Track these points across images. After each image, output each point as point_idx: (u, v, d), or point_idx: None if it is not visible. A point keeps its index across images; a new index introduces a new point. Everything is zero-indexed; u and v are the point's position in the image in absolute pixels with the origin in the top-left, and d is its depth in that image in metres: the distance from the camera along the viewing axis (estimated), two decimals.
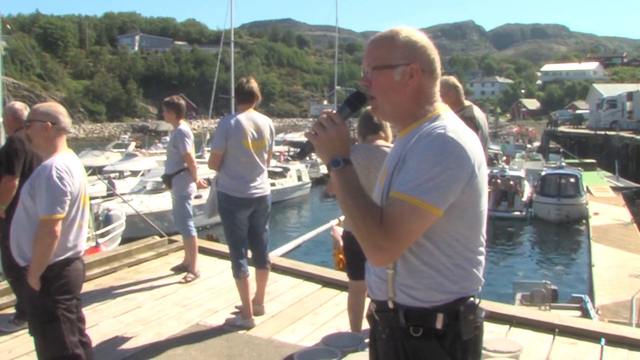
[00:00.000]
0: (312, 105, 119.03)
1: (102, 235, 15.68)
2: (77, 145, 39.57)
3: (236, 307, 5.87)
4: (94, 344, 4.64)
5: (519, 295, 12.12)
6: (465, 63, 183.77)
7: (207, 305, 6.12)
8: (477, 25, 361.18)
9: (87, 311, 5.65)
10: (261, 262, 5.83)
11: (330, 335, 4.90)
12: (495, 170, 28.35)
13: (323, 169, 34.64)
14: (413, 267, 2.10)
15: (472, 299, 2.15)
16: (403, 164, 2.07)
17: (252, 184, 5.53)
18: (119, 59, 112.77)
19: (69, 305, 3.73)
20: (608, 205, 24.81)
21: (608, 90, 60.40)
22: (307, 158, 35.08)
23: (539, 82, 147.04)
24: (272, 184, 26.00)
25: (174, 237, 8.18)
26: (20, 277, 3.74)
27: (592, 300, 12.33)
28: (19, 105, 5.63)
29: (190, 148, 7.02)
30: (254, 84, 5.63)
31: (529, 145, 57.97)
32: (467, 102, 5.47)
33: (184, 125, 7.10)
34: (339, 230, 9.10)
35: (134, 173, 29.07)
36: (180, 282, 6.80)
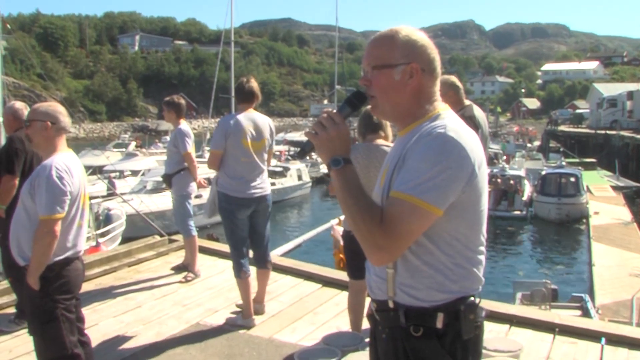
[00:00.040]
0: (313, 105, 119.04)
1: (103, 234, 15.68)
2: (78, 145, 39.60)
3: (237, 305, 5.88)
4: (94, 343, 4.64)
5: (519, 295, 12.12)
6: (466, 62, 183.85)
7: (207, 304, 6.12)
8: (477, 25, 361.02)
9: (88, 311, 5.66)
10: (262, 262, 5.83)
11: (330, 335, 4.89)
12: (495, 170, 28.36)
13: (323, 169, 34.65)
14: (413, 266, 2.10)
15: (472, 298, 2.15)
16: (403, 164, 2.06)
17: (252, 184, 5.53)
18: (119, 58, 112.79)
19: (68, 305, 3.73)
20: (608, 205, 24.81)
21: (608, 89, 60.38)
22: (308, 157, 35.09)
23: (539, 81, 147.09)
24: (273, 184, 25.98)
25: (174, 237, 8.18)
26: (20, 276, 3.74)
27: (593, 299, 12.33)
28: (19, 104, 5.63)
29: (191, 147, 7.02)
30: (254, 84, 5.63)
31: (529, 145, 57.97)
32: (467, 102, 5.47)
33: (184, 124, 7.10)
34: (339, 230, 9.10)
35: (134, 173, 29.08)
36: (180, 282, 6.80)
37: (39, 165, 3.77)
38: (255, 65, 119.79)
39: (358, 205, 2.02)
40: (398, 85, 2.14)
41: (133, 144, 42.62)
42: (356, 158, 4.39)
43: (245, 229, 5.61)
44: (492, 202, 25.14)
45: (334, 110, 2.17)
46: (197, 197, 8.04)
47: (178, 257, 7.58)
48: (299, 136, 47.40)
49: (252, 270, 5.70)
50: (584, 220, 24.16)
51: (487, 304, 5.05)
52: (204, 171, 7.69)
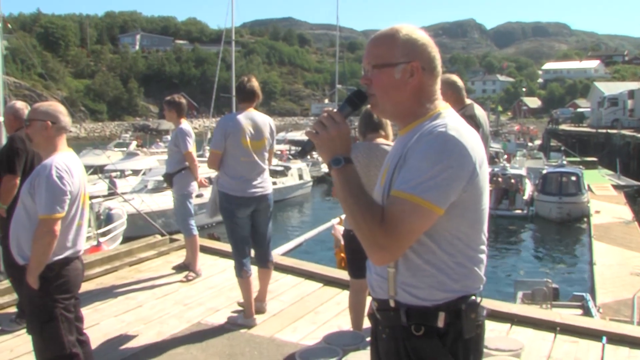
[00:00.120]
0: (313, 104, 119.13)
1: (104, 234, 15.69)
2: (79, 145, 39.58)
3: (238, 303, 5.88)
4: (95, 343, 4.65)
5: (520, 294, 12.13)
6: (466, 61, 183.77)
7: (208, 304, 6.12)
8: (478, 24, 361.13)
9: (89, 310, 5.68)
10: (264, 261, 5.83)
11: (331, 334, 4.90)
12: (496, 169, 28.36)
13: (324, 168, 34.63)
14: (414, 265, 2.09)
15: (473, 297, 2.14)
16: (404, 163, 2.06)
17: (252, 183, 5.53)
18: (120, 58, 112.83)
19: (67, 304, 3.73)
20: (609, 204, 24.79)
21: (609, 88, 60.33)
22: (309, 157, 35.09)
23: (540, 80, 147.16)
24: (274, 183, 25.97)
25: (175, 236, 8.18)
26: (20, 275, 3.74)
27: (594, 298, 12.32)
28: (20, 104, 5.63)
29: (192, 147, 7.02)
30: (254, 83, 5.63)
31: (530, 144, 57.96)
32: (468, 101, 5.46)
33: (185, 124, 7.10)
34: (340, 229, 9.10)
35: (135, 172, 29.09)
36: (181, 281, 6.80)
37: (39, 165, 3.77)
38: (256, 65, 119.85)
39: (359, 204, 2.02)
40: (399, 84, 2.14)
41: (134, 143, 42.69)
42: (357, 157, 4.39)
43: (246, 228, 5.61)
44: (493, 201, 25.13)
45: (335, 110, 2.17)
46: (198, 196, 8.04)
47: (179, 257, 7.58)
48: (300, 135, 47.39)
49: (254, 269, 5.70)
50: (585, 219, 24.14)
51: (489, 303, 5.04)
52: (204, 170, 7.69)
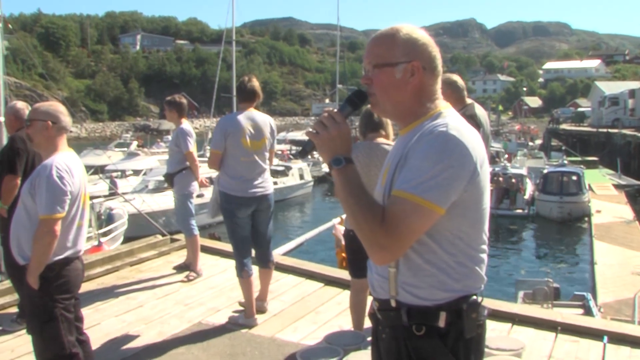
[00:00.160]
0: (314, 104, 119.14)
1: (105, 234, 15.70)
2: (79, 145, 39.64)
3: (239, 303, 5.88)
4: (96, 343, 4.65)
5: (521, 293, 12.13)
6: (467, 61, 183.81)
7: (209, 304, 6.12)
8: (478, 23, 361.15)
9: (90, 310, 5.68)
10: (264, 261, 5.82)
11: (332, 334, 4.90)
12: (497, 168, 28.38)
13: (325, 168, 34.64)
14: (415, 265, 2.09)
15: (474, 297, 2.14)
16: (405, 162, 2.06)
17: (252, 183, 5.52)
18: (121, 58, 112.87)
19: (67, 304, 3.73)
20: (610, 203, 24.80)
21: (610, 87, 60.33)
22: (309, 157, 35.09)
23: (540, 79, 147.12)
24: (274, 183, 25.97)
25: (176, 236, 8.18)
26: (21, 276, 3.74)
27: (595, 298, 12.33)
28: (20, 104, 5.63)
29: (192, 147, 7.02)
30: (255, 83, 5.62)
31: (530, 143, 58.01)
32: (468, 100, 5.46)
33: (185, 124, 7.10)
34: (341, 229, 9.09)
35: (136, 172, 29.11)
36: (182, 281, 6.80)
37: (40, 165, 3.77)
38: (256, 65, 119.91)
39: (360, 204, 2.02)
40: (399, 83, 2.13)
41: (135, 143, 42.70)
42: (357, 157, 4.39)
43: (246, 228, 5.61)
44: (494, 200, 25.15)
45: (335, 110, 2.16)
46: (198, 196, 8.05)
47: (180, 257, 7.58)
48: (301, 135, 47.37)
49: (255, 269, 5.70)
50: (586, 219, 24.17)
51: (490, 303, 5.04)
52: (205, 170, 7.69)
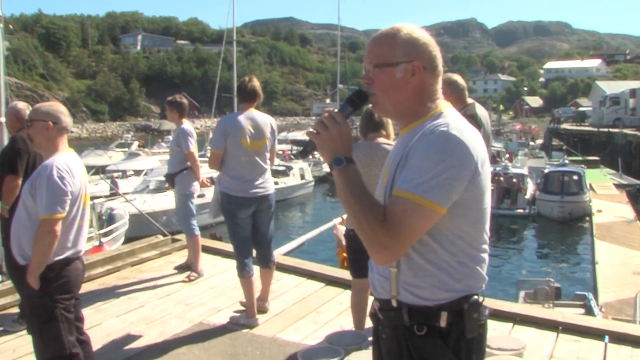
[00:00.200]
0: (315, 104, 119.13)
1: (106, 234, 15.70)
2: (80, 145, 39.70)
3: (241, 303, 5.88)
4: (97, 343, 4.66)
5: (522, 293, 12.12)
6: (468, 61, 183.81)
7: (210, 304, 6.12)
8: (479, 23, 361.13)
9: (91, 310, 5.68)
10: (265, 261, 5.82)
11: (333, 334, 4.89)
12: (498, 168, 28.37)
13: (326, 168, 34.62)
14: (416, 265, 2.09)
15: (476, 297, 2.14)
16: (406, 162, 2.06)
17: (253, 184, 5.52)
18: (122, 58, 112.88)
19: (67, 304, 3.73)
20: (611, 203, 24.78)
21: (611, 87, 60.31)
22: (310, 157, 35.10)
23: (541, 79, 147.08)
24: (275, 183, 25.98)
25: (177, 236, 8.18)
26: (22, 276, 3.74)
27: (596, 297, 12.32)
28: (21, 105, 5.63)
29: (193, 147, 7.02)
30: (255, 83, 5.62)
31: (531, 143, 58.00)
32: (469, 100, 5.46)
33: (186, 124, 7.10)
34: (342, 229, 9.09)
35: (137, 172, 29.11)
36: (183, 281, 6.80)
37: (40, 165, 3.77)
38: (257, 65, 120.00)
39: (360, 204, 2.02)
40: (400, 83, 2.13)
41: (136, 143, 42.72)
42: (358, 157, 4.38)
43: (247, 228, 5.60)
44: (495, 200, 25.14)
45: (336, 110, 2.16)
46: (200, 196, 8.05)
47: (181, 257, 7.58)
48: (302, 135, 47.41)
49: (256, 269, 5.70)
50: (587, 219, 24.16)
51: (491, 303, 5.02)
52: (206, 170, 7.70)
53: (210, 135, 33.12)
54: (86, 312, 4.21)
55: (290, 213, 30.56)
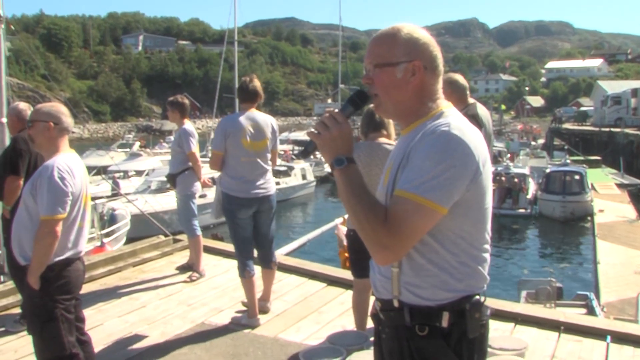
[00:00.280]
0: (316, 104, 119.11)
1: (107, 234, 15.70)
2: (82, 145, 39.72)
3: (242, 303, 5.88)
4: (99, 343, 4.66)
5: (524, 293, 12.11)
6: (469, 61, 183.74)
7: (212, 304, 6.12)
8: (480, 23, 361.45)
9: (92, 310, 5.69)
10: (267, 262, 5.82)
11: (335, 334, 4.89)
12: (499, 168, 28.39)
13: (327, 168, 34.59)
14: (418, 265, 2.09)
15: (477, 297, 2.14)
16: (407, 162, 2.05)
17: (254, 184, 5.51)
18: (123, 58, 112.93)
19: (67, 305, 3.73)
20: (613, 202, 24.75)
21: (612, 87, 60.26)
22: (312, 157, 35.09)
23: (543, 79, 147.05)
24: (277, 183, 25.99)
25: (178, 237, 8.18)
26: (23, 276, 3.75)
27: (598, 297, 12.31)
28: (22, 105, 5.64)
29: (195, 147, 7.02)
30: (256, 83, 5.62)
31: (533, 143, 57.91)
32: (471, 100, 5.46)
33: (188, 124, 7.10)
34: (343, 229, 9.09)
35: (139, 173, 29.13)
36: (185, 281, 6.80)
37: (41, 166, 3.77)
38: (258, 65, 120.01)
39: (362, 204, 2.01)
40: (400, 83, 2.13)
41: (137, 144, 42.75)
42: (359, 156, 4.38)
43: (248, 228, 5.60)
44: (497, 200, 25.13)
45: (337, 110, 2.16)
46: (201, 196, 8.06)
47: (183, 257, 7.59)
48: (303, 135, 47.34)
49: (257, 269, 5.70)
50: (589, 218, 24.12)
51: (492, 303, 5.03)
52: (208, 171, 7.70)
53: (212, 136, 33.23)
54: (88, 312, 4.21)
55: (292, 213, 30.56)
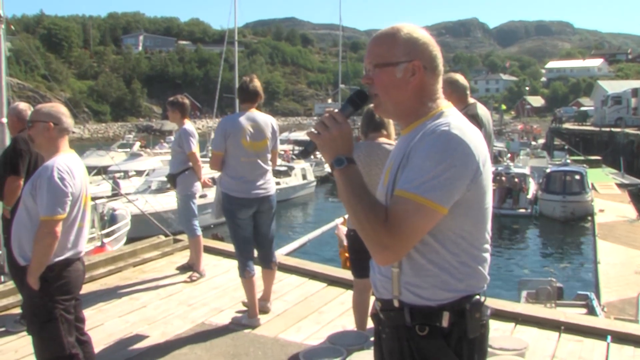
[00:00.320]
0: (317, 104, 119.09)
1: (108, 235, 15.71)
2: (82, 146, 39.72)
3: (243, 303, 5.88)
4: (99, 343, 4.66)
5: (524, 293, 12.12)
6: (469, 61, 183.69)
7: (212, 304, 6.12)
8: (481, 23, 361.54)
9: (93, 310, 5.69)
10: (267, 262, 5.82)
11: (335, 334, 4.90)
12: (500, 168, 28.38)
13: (327, 168, 34.50)
14: (418, 265, 2.09)
15: (477, 296, 2.13)
16: (407, 162, 2.05)
17: (255, 184, 5.51)
18: (123, 59, 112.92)
19: (67, 305, 3.73)
20: (613, 202, 24.75)
21: (613, 86, 60.26)
22: (312, 157, 35.09)
23: (543, 79, 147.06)
24: (277, 183, 26.00)
25: (179, 237, 8.19)
26: (22, 276, 3.75)
27: (598, 297, 12.31)
28: (23, 105, 5.64)
29: (195, 147, 7.02)
30: (256, 83, 5.62)
31: (533, 143, 57.89)
32: (471, 100, 5.46)
33: (188, 124, 7.10)
34: (344, 229, 9.10)
35: (139, 173, 29.13)
36: (185, 282, 6.80)
37: (41, 166, 3.77)
38: (259, 65, 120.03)
39: (362, 204, 2.01)
40: (400, 83, 2.13)
41: (137, 144, 42.75)
42: (358, 156, 4.39)
43: (248, 229, 5.60)
44: (497, 200, 25.13)
45: (337, 110, 2.16)
46: (201, 196, 8.06)
47: (183, 257, 7.59)
48: (303, 135, 47.32)
49: (257, 269, 5.70)
50: (589, 218, 24.12)
51: (493, 303, 5.03)
52: (208, 171, 7.71)
53: (212, 136, 33.23)
54: (88, 312, 4.21)
55: (292, 213, 30.56)
